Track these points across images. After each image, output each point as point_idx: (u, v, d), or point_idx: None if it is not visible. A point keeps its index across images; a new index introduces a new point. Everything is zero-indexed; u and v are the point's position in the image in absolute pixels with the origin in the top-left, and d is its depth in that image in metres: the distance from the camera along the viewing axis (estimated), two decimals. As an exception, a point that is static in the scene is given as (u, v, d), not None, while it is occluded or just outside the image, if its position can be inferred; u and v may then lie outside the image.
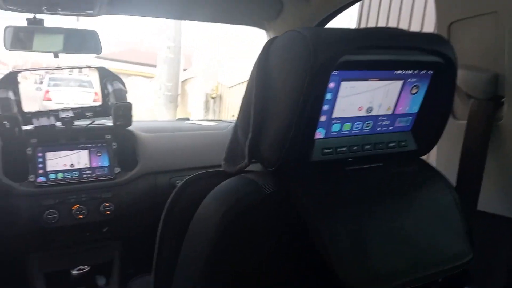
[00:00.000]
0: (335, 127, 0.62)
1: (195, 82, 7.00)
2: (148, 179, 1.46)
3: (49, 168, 1.33)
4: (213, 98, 5.63)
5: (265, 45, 0.62)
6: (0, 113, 1.23)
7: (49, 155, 1.35)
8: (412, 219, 0.62)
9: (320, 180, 0.61)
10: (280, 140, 0.58)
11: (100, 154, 1.42)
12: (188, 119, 2.07)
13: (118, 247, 1.45)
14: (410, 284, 0.58)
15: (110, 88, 1.43)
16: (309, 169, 0.62)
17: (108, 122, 1.52)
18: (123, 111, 1.41)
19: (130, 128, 1.50)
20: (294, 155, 0.59)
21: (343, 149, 0.63)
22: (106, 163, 1.41)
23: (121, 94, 1.42)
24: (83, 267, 1.20)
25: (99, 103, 1.50)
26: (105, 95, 1.46)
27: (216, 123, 1.86)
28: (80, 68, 1.37)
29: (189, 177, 0.75)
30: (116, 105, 1.39)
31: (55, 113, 1.40)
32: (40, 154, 1.34)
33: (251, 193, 0.60)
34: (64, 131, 1.41)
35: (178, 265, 0.70)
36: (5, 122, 1.24)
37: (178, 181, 1.50)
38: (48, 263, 1.35)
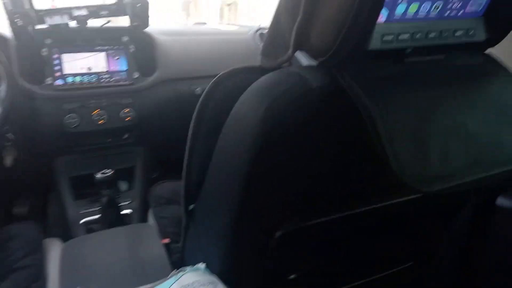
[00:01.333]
0: (400, 8, 0.52)
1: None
2: (168, 85, 1.41)
3: (66, 71, 1.29)
4: (228, 5, 5.21)
5: None
6: (11, 9, 1.15)
7: (66, 57, 1.30)
8: (475, 116, 0.56)
9: (376, 72, 0.54)
10: (337, 21, 0.48)
11: (117, 58, 1.35)
12: (205, 23, 1.94)
13: (140, 153, 1.46)
14: (471, 184, 0.54)
15: (125, -16, 1.30)
16: (364, 58, 0.54)
17: (121, 21, 1.43)
18: (140, 10, 1.31)
19: (147, 30, 1.41)
20: (350, 42, 0.50)
21: (406, 36, 0.54)
22: (124, 67, 1.35)
23: None
24: (107, 170, 1.22)
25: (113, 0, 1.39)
26: (120, -8, 1.35)
27: (236, 28, 1.74)
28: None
29: (223, 72, 0.69)
30: (132, 3, 1.28)
31: (68, 11, 1.31)
32: (56, 56, 1.28)
33: (296, 86, 0.53)
34: (79, 31, 1.33)
35: (212, 164, 0.66)
36: (17, 19, 1.17)
37: (197, 88, 1.45)
38: (73, 167, 1.38)
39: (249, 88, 0.58)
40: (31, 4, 1.24)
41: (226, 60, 1.52)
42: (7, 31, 1.28)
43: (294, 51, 0.56)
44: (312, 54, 0.56)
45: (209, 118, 0.67)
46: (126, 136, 1.40)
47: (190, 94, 1.45)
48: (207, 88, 0.67)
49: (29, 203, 1.58)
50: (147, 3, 1.30)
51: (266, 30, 1.59)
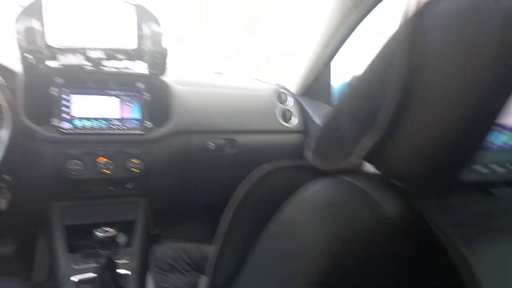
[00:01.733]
0: (501, 136, 0.45)
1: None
2: (181, 137, 1.32)
3: (74, 114, 1.19)
4: None
5: (418, 6, 0.46)
6: (24, 45, 1.07)
7: (76, 98, 1.20)
8: None
9: (465, 206, 0.47)
10: (431, 143, 0.42)
11: (131, 105, 1.27)
12: (220, 73, 1.90)
13: (142, 205, 1.34)
14: None
15: (146, 30, 1.25)
16: (449, 187, 0.48)
17: (137, 67, 1.36)
18: (159, 59, 1.25)
19: (164, 78, 1.34)
20: (444, 170, 0.44)
21: (503, 169, 0.48)
22: (137, 115, 1.27)
23: (158, 38, 1.25)
24: (109, 229, 1.09)
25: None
26: (140, 37, 1.29)
27: (253, 82, 1.70)
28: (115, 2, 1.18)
29: (268, 167, 0.62)
30: (152, 51, 1.22)
31: (83, 51, 1.24)
32: (65, 96, 1.19)
33: (365, 210, 0.47)
34: (93, 73, 1.25)
35: (251, 263, 0.59)
36: (28, 56, 1.08)
37: (211, 142, 1.37)
38: (69, 215, 1.24)
39: (303, 195, 0.52)
40: (44, 40, 1.16)
41: (242, 117, 1.46)
42: (16, 65, 1.19)
43: (360, 163, 0.50)
44: (385, 172, 0.50)
45: (250, 213, 0.62)
46: (129, 185, 1.29)
47: (203, 148, 1.37)
48: (251, 181, 0.61)
49: (16, 243, 1.45)
50: (166, 51, 1.25)
51: (287, 92, 1.59)
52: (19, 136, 1.04)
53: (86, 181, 1.19)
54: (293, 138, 1.52)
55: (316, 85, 1.56)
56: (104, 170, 1.18)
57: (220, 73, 1.91)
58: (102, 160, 1.19)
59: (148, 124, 1.27)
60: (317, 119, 1.50)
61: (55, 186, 1.19)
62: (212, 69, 1.93)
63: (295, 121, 1.53)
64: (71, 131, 1.16)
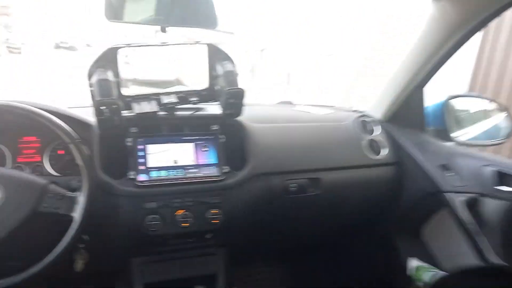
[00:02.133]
0: None
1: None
2: (260, 180, 1.21)
3: (150, 164, 1.12)
4: None
5: None
6: (99, 98, 1.03)
7: (151, 148, 1.14)
8: None
9: None
10: None
11: (206, 149, 1.18)
12: (291, 102, 1.78)
13: (223, 256, 1.24)
14: None
15: (219, 70, 1.17)
16: None
17: (210, 108, 1.28)
18: (235, 99, 1.16)
19: (238, 118, 1.25)
20: None
21: None
22: (213, 160, 1.17)
23: (232, 77, 1.16)
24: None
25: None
26: (212, 77, 1.21)
27: (330, 111, 1.55)
28: (187, 44, 1.10)
29: None
30: (227, 91, 1.13)
31: (156, 97, 1.18)
32: (141, 147, 1.13)
33: None
34: (166, 119, 1.18)
35: None
36: (104, 110, 1.04)
37: (293, 184, 1.24)
38: (148, 271, 1.17)
39: None
40: (119, 91, 1.12)
41: (325, 152, 1.31)
42: (91, 117, 1.16)
43: None
44: None
45: None
46: (208, 235, 1.19)
47: (284, 191, 1.24)
48: None
49: None
50: (243, 91, 1.15)
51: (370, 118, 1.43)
52: (96, 192, 0.99)
53: (165, 236, 1.11)
54: (384, 172, 1.34)
55: (406, 110, 1.38)
56: (183, 224, 1.09)
57: (290, 103, 1.79)
58: (180, 212, 1.10)
59: (226, 168, 1.17)
60: (412, 149, 1.31)
61: (133, 242, 1.13)
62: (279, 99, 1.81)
63: (385, 152, 1.36)
64: (148, 183, 1.09)
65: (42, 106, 1.01)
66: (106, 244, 1.11)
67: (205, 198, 1.13)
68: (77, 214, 0.90)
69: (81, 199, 0.91)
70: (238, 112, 1.20)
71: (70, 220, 0.91)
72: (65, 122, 0.97)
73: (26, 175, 0.90)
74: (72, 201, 0.91)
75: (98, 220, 1.04)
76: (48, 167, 1.14)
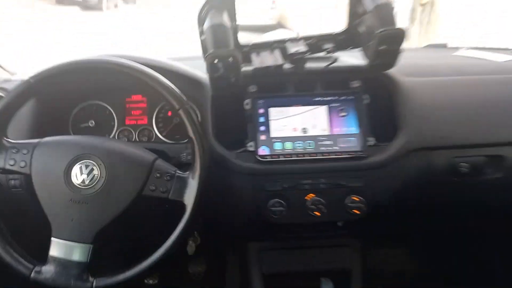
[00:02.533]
0: None
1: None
2: (418, 157, 0.89)
3: (273, 133, 0.88)
4: (422, 5, 4.26)
5: None
6: (213, 49, 0.79)
7: (274, 112, 0.90)
8: None
9: None
10: None
11: (344, 114, 0.90)
12: (445, 45, 1.36)
13: (360, 249, 0.99)
14: None
15: (368, 4, 0.83)
16: None
17: (350, 59, 0.97)
18: (389, 44, 0.82)
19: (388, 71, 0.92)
20: None
21: None
22: (354, 128, 0.89)
23: (387, 13, 0.82)
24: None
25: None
26: (354, 15, 0.89)
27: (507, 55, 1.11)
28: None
29: None
30: (380, 34, 0.80)
31: (279, 45, 0.91)
32: (261, 111, 0.89)
33: None
34: (293, 75, 0.92)
35: None
36: (219, 65, 0.81)
37: (464, 163, 0.89)
38: (267, 260, 0.98)
39: None
40: (236, 41, 0.87)
41: (511, 118, 0.92)
42: (201, 73, 0.95)
43: None
44: None
45: None
46: (340, 223, 0.94)
47: (451, 172, 0.90)
48: None
49: (206, 263, 1.34)
50: (402, 33, 0.80)
51: None
52: (210, 167, 0.79)
53: (290, 225, 0.89)
54: None
55: None
56: (314, 212, 0.85)
57: (444, 46, 1.37)
58: (311, 197, 0.85)
59: (371, 140, 0.87)
60: None
61: (250, 227, 0.93)
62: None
63: None
64: (270, 159, 0.86)
65: (145, 61, 0.82)
66: (219, 227, 0.94)
67: (343, 180, 0.87)
68: (189, 200, 0.71)
69: (193, 183, 0.71)
70: (392, 63, 0.87)
71: (180, 204, 0.73)
72: (172, 81, 0.76)
73: (129, 149, 0.73)
74: (183, 183, 0.72)
75: (211, 199, 0.86)
76: (157, 131, 0.98)
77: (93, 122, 0.98)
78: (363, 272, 0.98)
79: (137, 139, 0.98)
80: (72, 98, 0.98)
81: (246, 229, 0.96)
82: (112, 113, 0.98)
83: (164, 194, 0.71)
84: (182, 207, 0.71)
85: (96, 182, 0.69)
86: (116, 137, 0.98)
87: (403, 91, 0.91)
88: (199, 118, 0.90)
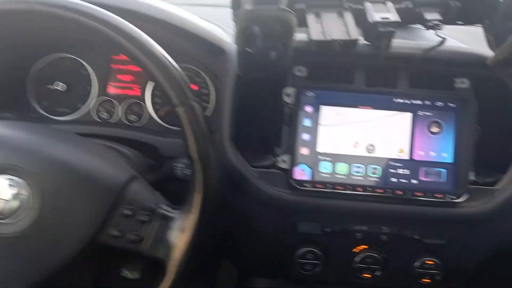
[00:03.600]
0: None
1: None
2: None
3: (321, 147, 0.57)
4: None
5: None
6: (250, 5, 0.47)
7: (327, 113, 0.58)
8: None
9: None
10: None
11: (437, 131, 0.57)
12: None
13: None
14: None
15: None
16: None
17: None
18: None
19: None
20: None
21: None
22: (447, 155, 0.57)
23: None
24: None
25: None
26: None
27: None
28: None
29: None
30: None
31: (356, 5, 0.57)
32: (309, 109, 0.58)
33: None
34: (371, 58, 0.58)
35: None
36: (256, 30, 0.48)
37: None
38: None
39: None
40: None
41: None
42: (224, 35, 0.62)
43: None
44: None
45: None
46: None
47: None
48: None
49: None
50: None
51: None
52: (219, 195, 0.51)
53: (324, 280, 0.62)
54: None
55: None
56: (364, 274, 0.57)
57: None
58: (361, 249, 0.57)
59: (471, 175, 0.56)
60: None
61: (267, 267, 0.66)
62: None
63: None
64: (311, 187, 0.56)
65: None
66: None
67: (416, 232, 0.57)
68: (172, 260, 0.44)
69: (183, 237, 0.43)
70: None
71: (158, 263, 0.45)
72: (173, 43, 0.45)
73: (88, 157, 0.45)
74: (167, 229, 0.44)
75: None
76: (151, 109, 0.68)
77: (64, 85, 0.67)
78: None
79: (122, 118, 0.68)
80: (34, 48, 0.67)
81: (256, 267, 0.69)
82: (89, 74, 0.68)
83: (134, 245, 0.44)
84: (161, 267, 0.44)
85: (23, 216, 0.41)
86: (93, 112, 0.68)
87: None
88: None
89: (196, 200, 0.43)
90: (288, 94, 0.57)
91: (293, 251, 0.58)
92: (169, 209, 0.46)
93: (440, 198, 0.55)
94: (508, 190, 0.55)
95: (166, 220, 0.45)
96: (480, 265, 0.59)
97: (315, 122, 0.57)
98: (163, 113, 0.68)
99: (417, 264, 0.57)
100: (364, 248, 0.58)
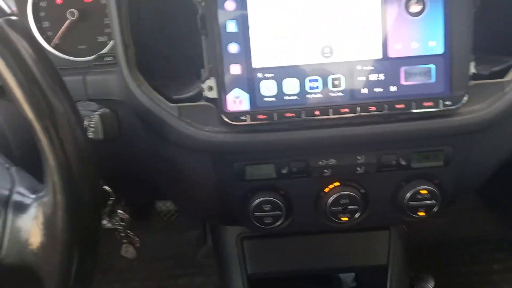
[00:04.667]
0: None
1: None
2: None
3: (258, 60, 0.40)
4: None
5: None
6: None
7: (261, 11, 0.39)
8: None
9: None
10: None
11: (418, 9, 0.40)
12: None
13: (401, 239, 0.62)
14: None
15: None
16: None
17: None
18: None
19: None
20: None
21: None
22: (436, 44, 0.40)
23: None
24: None
25: None
26: None
27: None
28: None
29: None
30: None
31: None
32: (231, 5, 0.39)
33: None
34: None
35: None
36: None
37: None
38: (252, 255, 0.62)
39: None
40: None
41: None
42: None
43: None
44: None
45: None
46: None
47: None
48: None
49: None
50: None
51: None
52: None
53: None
54: None
55: None
56: (340, 216, 0.44)
57: None
58: (334, 190, 0.43)
59: (471, 69, 0.40)
60: None
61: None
62: None
63: None
64: (252, 121, 0.40)
65: None
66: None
67: (405, 156, 0.42)
68: (45, 266, 0.29)
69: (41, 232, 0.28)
70: None
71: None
72: None
73: None
74: (25, 223, 0.29)
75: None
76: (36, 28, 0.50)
77: None
78: (403, 266, 0.61)
79: None
80: None
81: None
82: None
83: None
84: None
85: None
86: None
87: None
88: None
89: (50, 176, 0.27)
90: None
91: (245, 204, 0.44)
92: (28, 192, 0.30)
93: (431, 106, 0.40)
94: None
95: (21, 210, 0.29)
96: (486, 183, 0.46)
97: (244, 24, 0.39)
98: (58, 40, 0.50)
99: (408, 195, 0.43)
100: (336, 186, 0.43)
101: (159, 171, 0.47)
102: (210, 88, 0.40)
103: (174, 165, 0.44)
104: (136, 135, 0.45)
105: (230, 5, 0.39)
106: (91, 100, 0.45)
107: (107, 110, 0.43)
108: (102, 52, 0.49)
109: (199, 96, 0.42)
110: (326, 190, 0.44)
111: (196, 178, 0.44)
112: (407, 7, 0.39)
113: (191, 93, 0.42)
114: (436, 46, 0.40)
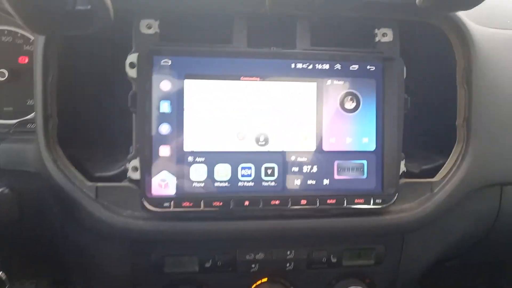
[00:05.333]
0: None
1: None
2: (486, 196, 0.44)
3: (189, 143, 0.38)
4: None
5: None
6: None
7: (195, 90, 0.38)
8: None
9: None
10: None
11: (352, 107, 0.40)
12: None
13: None
14: None
15: None
16: None
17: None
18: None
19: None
20: None
21: None
22: (368, 140, 0.41)
23: None
24: None
25: None
26: None
27: None
28: None
29: None
30: None
31: None
32: (166, 86, 0.38)
33: None
34: (249, 6, 0.39)
35: None
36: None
37: None
38: None
39: None
40: None
41: None
42: None
43: None
44: None
45: None
46: None
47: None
48: None
49: None
50: None
51: None
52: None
53: None
54: None
55: None
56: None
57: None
58: (258, 285, 0.40)
59: (403, 166, 0.40)
60: None
61: None
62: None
63: None
64: (177, 208, 0.37)
65: None
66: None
67: (330, 253, 0.41)
68: None
69: None
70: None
71: None
72: None
73: None
74: None
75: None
76: None
77: None
78: None
79: None
80: None
81: None
82: None
83: None
84: None
85: None
86: None
87: (480, 55, 0.42)
88: None
89: None
90: (132, 64, 0.37)
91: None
92: None
93: (362, 203, 0.39)
94: (453, 181, 0.41)
95: None
96: (422, 278, 0.45)
97: (178, 106, 0.37)
98: None
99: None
100: (264, 283, 0.40)
101: (69, 255, 0.42)
102: (135, 169, 0.37)
103: (85, 250, 0.39)
104: (46, 214, 0.40)
105: (165, 85, 0.37)
106: (2, 170, 0.40)
107: (6, 191, 0.38)
108: (26, 117, 0.45)
109: (124, 174, 0.38)
110: (253, 286, 0.40)
111: (108, 267, 0.39)
112: (342, 103, 0.40)
113: (115, 171, 0.39)
114: (369, 142, 0.40)
